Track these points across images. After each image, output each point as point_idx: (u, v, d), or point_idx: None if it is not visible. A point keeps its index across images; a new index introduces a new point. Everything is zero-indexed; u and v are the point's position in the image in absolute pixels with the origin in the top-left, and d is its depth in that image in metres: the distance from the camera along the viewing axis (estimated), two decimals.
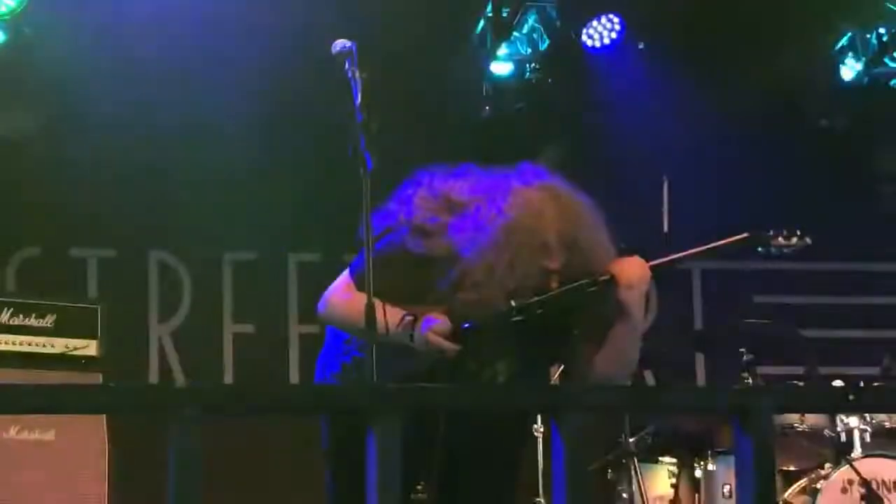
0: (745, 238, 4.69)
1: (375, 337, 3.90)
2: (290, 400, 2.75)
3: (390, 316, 4.07)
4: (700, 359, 9.37)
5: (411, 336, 4.14)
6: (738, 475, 2.94)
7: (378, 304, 3.99)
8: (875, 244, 9.52)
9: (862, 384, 7.06)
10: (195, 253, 8.97)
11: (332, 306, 4.39)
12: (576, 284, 4.29)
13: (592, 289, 4.34)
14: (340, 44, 4.33)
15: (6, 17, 7.81)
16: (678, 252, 4.56)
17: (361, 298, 4.05)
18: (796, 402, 3.21)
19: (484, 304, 4.19)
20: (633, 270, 4.45)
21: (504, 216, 4.30)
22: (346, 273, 4.42)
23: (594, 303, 4.36)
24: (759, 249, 4.72)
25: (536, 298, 4.22)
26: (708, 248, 4.60)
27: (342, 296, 4.36)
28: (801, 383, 7.11)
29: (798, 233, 4.77)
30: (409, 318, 4.14)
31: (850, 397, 2.86)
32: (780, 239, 4.74)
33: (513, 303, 4.20)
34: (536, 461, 7.26)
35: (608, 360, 4.48)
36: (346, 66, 4.28)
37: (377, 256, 4.11)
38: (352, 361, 4.28)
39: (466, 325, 4.08)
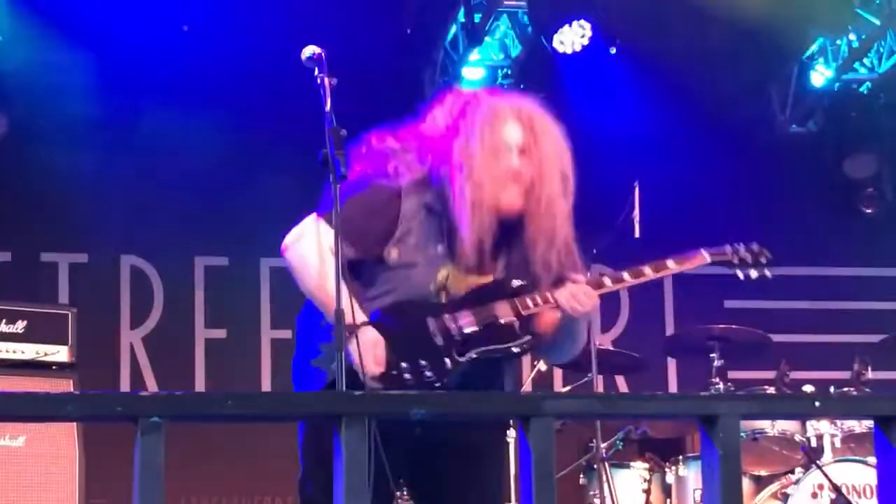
0: (705, 262, 4.61)
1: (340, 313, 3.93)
2: (257, 408, 2.74)
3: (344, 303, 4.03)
4: (672, 364, 9.40)
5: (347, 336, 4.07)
6: (704, 482, 2.95)
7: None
8: (846, 249, 9.57)
9: (832, 389, 7.13)
10: (167, 258, 8.95)
11: (299, 237, 4.29)
12: (514, 345, 4.30)
13: (525, 347, 4.34)
14: (310, 51, 4.33)
15: None
16: (638, 269, 4.49)
17: (328, 233, 4.10)
18: (763, 409, 3.22)
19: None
20: (580, 301, 4.34)
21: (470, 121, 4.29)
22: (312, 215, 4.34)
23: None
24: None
25: (472, 355, 4.23)
26: (662, 275, 4.53)
27: (309, 228, 4.29)
28: (771, 388, 7.13)
29: (761, 259, 4.71)
30: (350, 326, 4.06)
31: (817, 404, 2.87)
32: (741, 270, 4.72)
33: (448, 363, 4.21)
34: (508, 467, 7.29)
35: (559, 348, 4.52)
36: (316, 72, 4.28)
37: (349, 200, 4.15)
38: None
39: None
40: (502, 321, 4.27)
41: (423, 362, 4.21)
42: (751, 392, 7.19)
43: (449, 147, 4.26)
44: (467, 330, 4.25)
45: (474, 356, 4.24)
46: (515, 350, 4.31)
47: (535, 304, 4.28)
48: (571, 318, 4.38)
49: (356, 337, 4.05)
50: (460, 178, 4.23)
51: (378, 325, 4.18)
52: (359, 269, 4.28)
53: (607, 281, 4.48)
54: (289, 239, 4.33)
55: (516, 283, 4.30)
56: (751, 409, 3.01)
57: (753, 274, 4.70)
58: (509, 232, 4.30)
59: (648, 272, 4.57)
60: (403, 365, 4.19)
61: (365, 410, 2.83)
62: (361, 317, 4.15)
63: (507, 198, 4.24)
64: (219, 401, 2.72)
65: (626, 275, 4.52)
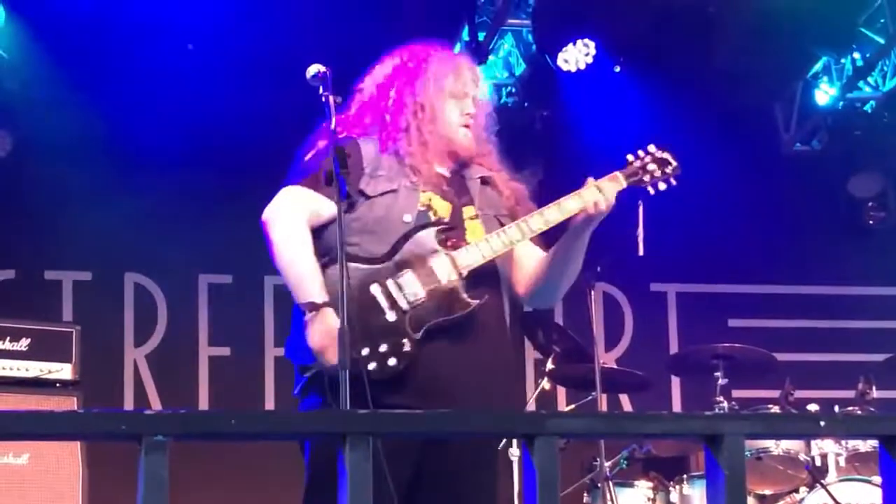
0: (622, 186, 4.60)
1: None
2: (261, 427, 2.74)
3: (307, 282, 4.26)
4: (676, 382, 9.39)
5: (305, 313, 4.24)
6: (709, 501, 2.94)
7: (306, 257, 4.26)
8: (851, 268, 9.56)
9: (836, 408, 7.12)
10: (171, 275, 8.95)
11: (276, 212, 4.43)
12: (465, 313, 4.35)
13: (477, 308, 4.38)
14: (315, 69, 4.34)
15: None
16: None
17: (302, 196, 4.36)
18: (768, 428, 3.21)
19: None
20: (603, 197, 4.53)
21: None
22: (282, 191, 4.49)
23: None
24: (641, 186, 4.66)
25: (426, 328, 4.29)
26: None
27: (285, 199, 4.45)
28: (775, 407, 7.11)
29: (667, 170, 4.68)
30: (312, 308, 4.22)
31: (822, 424, 2.86)
32: (648, 169, 4.66)
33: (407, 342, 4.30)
34: (512, 485, 7.28)
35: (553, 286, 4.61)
36: (321, 90, 4.29)
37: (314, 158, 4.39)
38: None
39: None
40: (445, 284, 4.33)
41: (382, 348, 4.25)
42: (755, 411, 7.18)
43: (412, 90, 4.52)
44: (412, 300, 4.29)
45: (429, 328, 4.28)
46: (468, 313, 4.34)
47: (472, 257, 4.36)
48: (574, 239, 4.47)
49: (314, 320, 4.19)
50: (421, 117, 4.48)
51: (335, 300, 4.21)
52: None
53: (620, 176, 4.59)
54: (267, 213, 4.45)
55: (445, 230, 4.40)
56: (756, 429, 3.00)
57: (662, 186, 4.69)
58: (465, 171, 4.57)
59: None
60: (364, 352, 4.22)
61: (369, 429, 2.83)
62: (322, 296, 4.24)
63: (463, 140, 4.53)
64: (223, 419, 2.71)
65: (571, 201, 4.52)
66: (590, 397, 7.30)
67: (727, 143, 9.14)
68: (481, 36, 8.50)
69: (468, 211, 4.50)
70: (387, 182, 4.43)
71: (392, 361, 4.24)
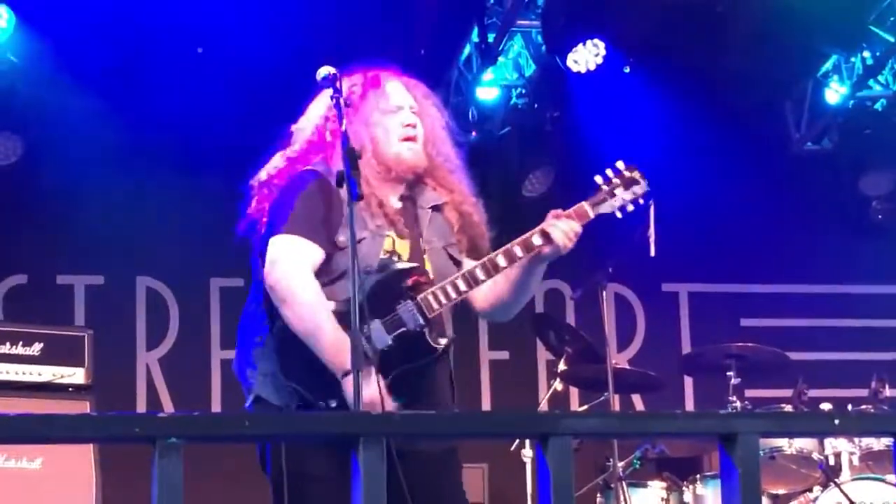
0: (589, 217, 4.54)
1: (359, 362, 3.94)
2: (274, 429, 2.74)
3: (336, 347, 4.17)
4: (689, 382, 9.38)
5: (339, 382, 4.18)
6: (724, 500, 2.94)
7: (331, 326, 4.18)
8: (862, 267, 9.55)
9: (850, 407, 7.10)
10: (182, 279, 8.95)
11: (280, 266, 4.34)
12: (430, 358, 4.37)
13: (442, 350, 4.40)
14: (325, 71, 4.35)
15: None
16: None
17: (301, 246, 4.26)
18: (783, 426, 3.21)
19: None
20: (569, 237, 4.44)
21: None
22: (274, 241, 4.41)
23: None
24: (609, 211, 4.61)
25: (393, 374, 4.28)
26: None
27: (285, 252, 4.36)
28: (788, 406, 7.10)
29: (636, 189, 4.65)
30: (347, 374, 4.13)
31: (836, 422, 2.86)
32: (616, 194, 4.62)
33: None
34: (525, 486, 7.28)
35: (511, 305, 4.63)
36: (331, 92, 4.30)
37: (301, 196, 4.34)
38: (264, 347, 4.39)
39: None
40: (411, 329, 4.31)
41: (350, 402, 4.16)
42: (768, 410, 7.18)
43: (355, 126, 4.40)
44: (380, 346, 4.25)
45: (394, 375, 4.26)
46: (433, 357, 4.36)
47: (438, 301, 4.33)
48: (538, 265, 4.45)
49: (358, 387, 4.04)
50: (368, 150, 4.39)
51: (304, 353, 4.23)
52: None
53: (587, 208, 4.51)
54: (276, 275, 4.35)
55: (410, 273, 4.36)
56: (770, 427, 3.00)
57: (630, 208, 4.66)
58: (417, 197, 4.51)
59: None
60: (333, 404, 4.20)
61: (383, 431, 2.83)
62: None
63: (407, 155, 4.45)
64: (236, 421, 2.72)
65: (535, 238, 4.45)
66: (602, 398, 7.29)
67: (737, 142, 9.13)
68: (491, 37, 8.49)
69: (423, 243, 4.48)
70: (358, 230, 4.31)
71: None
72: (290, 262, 4.33)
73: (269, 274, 4.36)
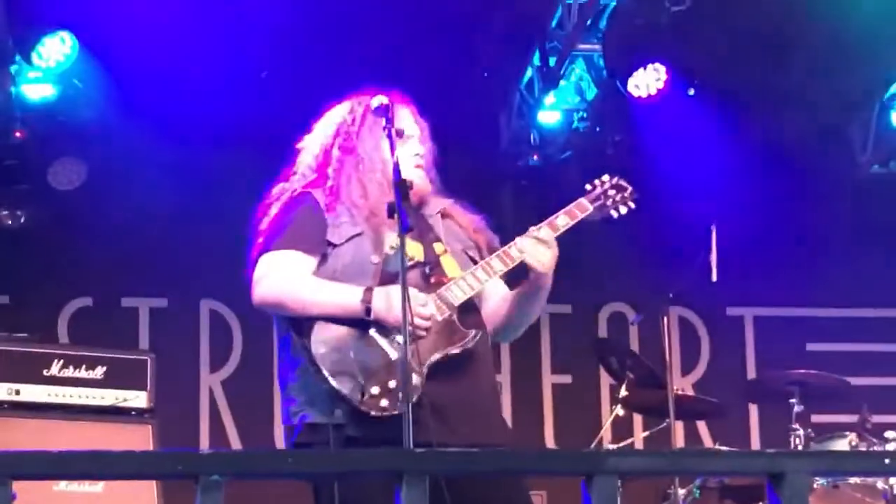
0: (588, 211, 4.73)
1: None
2: (317, 466, 2.74)
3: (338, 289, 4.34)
4: (754, 409, 9.30)
5: (368, 309, 4.30)
6: None
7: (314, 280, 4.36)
8: None
9: None
10: (246, 302, 8.96)
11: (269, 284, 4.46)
12: (466, 342, 4.44)
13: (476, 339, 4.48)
14: (378, 101, 4.39)
15: (58, 71, 7.89)
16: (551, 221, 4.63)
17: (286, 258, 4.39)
18: (832, 466, 3.17)
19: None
20: (543, 253, 4.54)
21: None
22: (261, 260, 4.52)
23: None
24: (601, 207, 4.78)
25: (431, 360, 4.37)
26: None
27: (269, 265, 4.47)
28: (852, 434, 7.02)
29: (626, 193, 4.83)
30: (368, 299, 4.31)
31: (886, 461, 2.82)
32: (609, 194, 4.79)
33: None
34: None
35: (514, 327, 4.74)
36: (383, 123, 4.33)
37: (299, 211, 4.47)
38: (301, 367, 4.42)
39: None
40: (440, 318, 4.39)
41: (391, 384, 4.28)
42: (830, 438, 7.10)
43: (352, 145, 4.58)
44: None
45: (433, 362, 4.34)
46: (470, 346, 4.42)
47: (462, 290, 4.44)
48: (533, 286, 4.54)
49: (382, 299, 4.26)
50: (362, 169, 4.54)
51: (334, 349, 4.31)
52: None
53: (545, 232, 4.58)
54: (260, 290, 4.49)
55: (428, 270, 4.48)
56: (818, 466, 2.97)
57: (623, 210, 4.83)
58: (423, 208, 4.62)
59: (562, 221, 4.67)
60: (374, 391, 4.27)
61: (427, 468, 2.82)
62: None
63: (420, 183, 4.56)
64: (279, 458, 2.72)
65: (543, 231, 4.59)
66: (664, 424, 7.23)
67: (803, 165, 9.06)
68: (552, 61, 8.48)
69: (438, 247, 4.58)
70: (350, 227, 4.49)
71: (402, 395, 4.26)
72: (275, 276, 4.44)
73: (254, 292, 4.50)
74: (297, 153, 4.73)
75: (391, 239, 4.42)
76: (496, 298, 4.65)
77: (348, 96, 4.74)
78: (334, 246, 4.47)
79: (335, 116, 4.70)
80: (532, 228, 4.57)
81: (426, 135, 4.69)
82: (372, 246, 4.45)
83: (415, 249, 4.47)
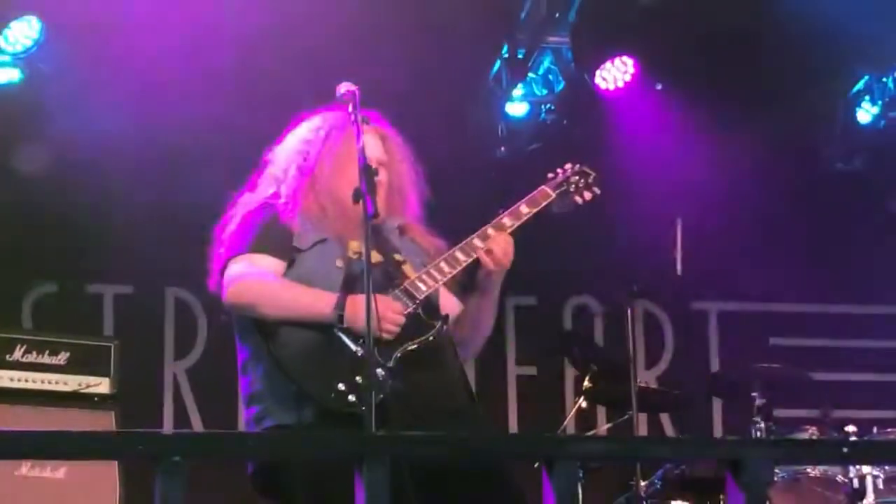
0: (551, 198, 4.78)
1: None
2: (279, 448, 2.74)
3: (316, 295, 4.38)
4: (718, 402, 9.34)
5: (341, 317, 4.34)
6: None
7: (286, 282, 4.42)
8: (892, 287, 9.48)
9: (875, 429, 7.06)
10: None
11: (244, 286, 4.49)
12: (429, 334, 4.47)
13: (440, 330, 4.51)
14: (345, 87, 4.39)
15: (23, 56, 7.85)
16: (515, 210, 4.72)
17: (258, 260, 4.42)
18: (791, 454, 3.19)
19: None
20: (505, 251, 4.58)
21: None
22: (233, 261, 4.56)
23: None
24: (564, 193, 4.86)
25: (397, 355, 4.39)
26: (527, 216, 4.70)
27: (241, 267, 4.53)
28: (813, 428, 7.06)
29: (589, 179, 4.92)
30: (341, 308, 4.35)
31: (845, 450, 2.84)
32: (571, 181, 4.89)
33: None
34: None
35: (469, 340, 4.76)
36: (350, 108, 4.33)
37: (268, 219, 4.53)
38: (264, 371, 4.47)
39: None
40: (406, 312, 4.43)
41: (358, 379, 4.29)
42: (791, 432, 7.14)
43: (311, 166, 4.63)
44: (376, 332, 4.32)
45: (399, 356, 4.36)
46: (431, 338, 4.45)
47: (425, 284, 4.48)
48: (482, 286, 4.57)
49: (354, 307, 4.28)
50: (319, 189, 4.59)
51: (299, 351, 4.34)
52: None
53: (507, 221, 4.65)
54: (231, 291, 4.54)
55: (387, 269, 4.53)
56: (778, 455, 2.99)
57: (588, 196, 4.91)
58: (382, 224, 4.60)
59: (525, 210, 4.73)
60: (341, 387, 4.28)
61: (387, 451, 2.83)
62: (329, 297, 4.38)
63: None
64: (239, 440, 2.72)
65: (506, 220, 4.66)
66: (627, 416, 7.26)
67: (768, 161, 9.09)
68: (521, 53, 8.49)
69: (397, 257, 4.62)
70: (315, 233, 4.54)
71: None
72: (250, 278, 4.48)
73: (225, 294, 4.55)
74: (265, 164, 4.79)
75: (354, 245, 4.47)
76: (451, 315, 4.66)
77: (319, 110, 4.77)
78: (300, 251, 4.52)
79: (302, 132, 4.76)
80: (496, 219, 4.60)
81: (397, 162, 4.72)
82: (336, 252, 4.50)
83: (375, 256, 4.48)
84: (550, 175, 4.86)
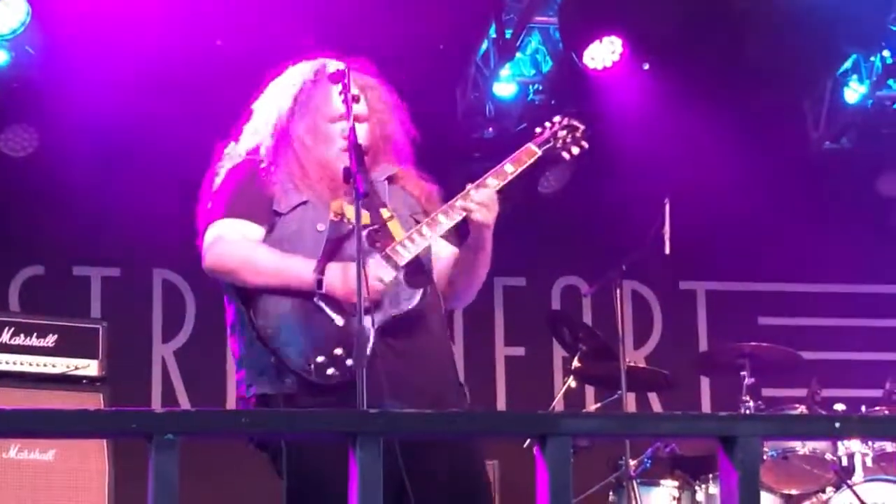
0: (537, 155, 4.67)
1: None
2: (272, 426, 2.74)
3: (298, 265, 4.31)
4: (706, 381, 9.36)
5: (320, 281, 4.27)
6: (722, 501, 2.93)
7: (263, 248, 4.36)
8: (879, 266, 9.51)
9: (863, 408, 7.09)
10: (199, 272, 8.92)
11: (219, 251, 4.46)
12: (410, 302, 4.38)
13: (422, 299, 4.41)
14: (334, 66, 4.37)
15: (8, 38, 7.83)
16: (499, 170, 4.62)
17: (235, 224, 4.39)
18: (783, 429, 3.19)
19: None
20: (489, 206, 4.50)
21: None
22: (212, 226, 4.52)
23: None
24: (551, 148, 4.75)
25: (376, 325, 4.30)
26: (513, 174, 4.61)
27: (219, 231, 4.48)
28: (802, 406, 7.08)
29: (577, 134, 4.81)
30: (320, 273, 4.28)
31: (837, 425, 2.84)
32: (559, 136, 4.76)
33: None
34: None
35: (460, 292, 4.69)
36: (339, 88, 4.31)
37: (246, 177, 4.47)
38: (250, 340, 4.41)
39: None
40: (388, 280, 4.35)
41: (337, 351, 4.26)
42: (779, 410, 7.16)
43: (287, 122, 4.56)
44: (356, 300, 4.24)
45: (382, 323, 4.29)
46: (413, 306, 4.36)
47: (406, 249, 4.39)
48: (474, 241, 4.50)
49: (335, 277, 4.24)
50: (297, 147, 4.52)
51: (280, 320, 4.30)
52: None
53: (490, 181, 4.55)
54: (210, 258, 4.49)
55: (371, 231, 4.39)
56: (770, 430, 2.99)
57: (575, 150, 4.79)
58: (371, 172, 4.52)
59: (509, 169, 4.63)
60: (320, 359, 4.25)
61: (380, 430, 2.82)
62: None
63: (338, 163, 4.40)
64: (233, 418, 2.72)
65: (490, 179, 4.57)
66: (616, 395, 7.27)
67: (755, 140, 9.09)
68: (508, 33, 8.47)
69: (384, 212, 4.52)
70: (296, 195, 4.47)
71: (350, 363, 4.23)
72: (228, 243, 4.43)
73: (205, 259, 4.49)
74: (250, 113, 4.70)
75: (335, 206, 4.41)
76: (444, 261, 4.59)
77: (306, 57, 4.70)
78: (280, 215, 4.46)
79: (287, 84, 4.67)
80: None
81: (379, 112, 4.63)
82: (317, 214, 4.43)
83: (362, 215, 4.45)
84: (538, 130, 4.73)
